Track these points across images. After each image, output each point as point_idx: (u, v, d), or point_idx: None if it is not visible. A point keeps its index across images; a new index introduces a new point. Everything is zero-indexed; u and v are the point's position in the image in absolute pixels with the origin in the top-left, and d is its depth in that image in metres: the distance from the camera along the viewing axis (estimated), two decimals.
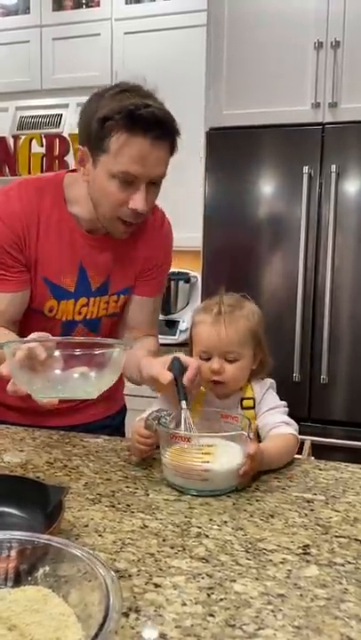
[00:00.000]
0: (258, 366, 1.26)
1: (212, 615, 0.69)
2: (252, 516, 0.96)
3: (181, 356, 1.17)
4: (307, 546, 0.86)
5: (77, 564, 0.63)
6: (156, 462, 1.16)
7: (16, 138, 3.26)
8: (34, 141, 3.21)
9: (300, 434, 1.21)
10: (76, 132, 1.31)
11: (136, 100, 1.18)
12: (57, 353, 1.03)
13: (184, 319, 3.00)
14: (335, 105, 2.37)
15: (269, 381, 1.28)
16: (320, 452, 1.76)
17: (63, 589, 0.63)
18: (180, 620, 0.68)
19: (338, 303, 2.37)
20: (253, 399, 1.25)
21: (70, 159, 3.13)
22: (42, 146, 3.20)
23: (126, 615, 0.68)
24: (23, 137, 3.24)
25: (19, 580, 0.66)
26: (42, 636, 0.58)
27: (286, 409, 1.25)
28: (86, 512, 0.96)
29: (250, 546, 0.86)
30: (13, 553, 0.67)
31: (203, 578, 0.77)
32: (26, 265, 1.33)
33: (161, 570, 0.79)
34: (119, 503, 1.00)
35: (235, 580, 0.76)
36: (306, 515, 0.97)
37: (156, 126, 1.18)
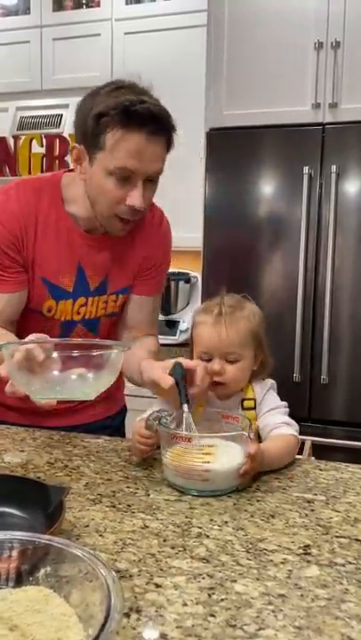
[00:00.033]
0: (259, 367, 1.27)
1: (212, 615, 0.69)
2: (252, 516, 0.96)
3: (183, 360, 1.17)
4: (307, 546, 0.86)
5: (79, 565, 0.63)
6: (156, 462, 1.17)
7: (16, 138, 3.26)
8: (34, 142, 3.21)
9: (300, 434, 1.21)
10: None
11: (131, 96, 1.18)
12: (55, 354, 1.03)
13: (184, 319, 3.00)
14: (335, 105, 2.37)
15: (270, 382, 1.28)
16: (320, 452, 1.76)
17: (64, 590, 0.64)
18: (181, 620, 0.68)
19: (338, 303, 2.37)
20: (254, 400, 1.25)
21: (70, 159, 3.13)
22: (42, 146, 3.20)
23: (127, 615, 0.68)
24: (23, 137, 3.24)
25: (20, 580, 0.66)
26: (43, 636, 0.58)
27: (287, 409, 1.25)
28: (87, 512, 0.96)
29: (250, 546, 0.86)
30: (15, 553, 0.67)
31: (203, 578, 0.77)
32: (23, 265, 1.33)
33: (162, 570, 0.79)
34: (120, 503, 1.00)
35: (235, 581, 0.77)
36: (306, 515, 0.97)
37: (152, 121, 1.18)
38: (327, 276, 2.34)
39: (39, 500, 0.87)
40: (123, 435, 1.58)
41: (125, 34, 3.04)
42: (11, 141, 3.26)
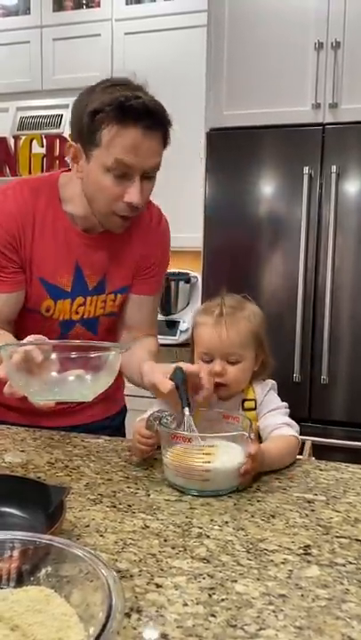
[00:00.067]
0: (259, 367, 1.26)
1: (213, 615, 0.69)
2: (253, 516, 0.96)
3: (184, 364, 1.16)
4: (308, 546, 0.86)
5: (79, 565, 0.63)
6: (157, 462, 1.17)
7: (16, 138, 3.26)
8: (34, 142, 3.21)
9: (300, 434, 1.21)
10: None
11: (126, 92, 1.18)
12: (53, 356, 1.04)
13: (184, 319, 3.00)
14: (336, 105, 2.37)
15: (271, 382, 1.28)
16: (321, 452, 1.76)
17: (65, 590, 0.64)
18: (181, 620, 0.68)
19: (338, 303, 2.37)
20: (255, 400, 1.25)
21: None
22: (42, 146, 3.21)
23: (128, 615, 0.68)
24: (24, 137, 3.24)
25: (21, 580, 0.66)
26: (44, 636, 0.58)
27: (287, 410, 1.25)
28: (87, 512, 0.96)
29: (251, 546, 0.86)
30: (16, 553, 0.67)
31: (204, 578, 0.77)
32: (21, 266, 1.34)
33: (162, 570, 0.79)
34: (120, 503, 1.00)
35: (236, 581, 0.77)
36: (307, 515, 0.97)
37: (147, 116, 1.18)
38: (327, 276, 2.35)
39: (40, 500, 0.87)
40: (123, 435, 1.58)
41: (126, 34, 3.04)
42: (11, 142, 3.26)
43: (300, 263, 2.38)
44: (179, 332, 2.97)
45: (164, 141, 1.24)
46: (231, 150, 2.51)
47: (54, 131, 3.21)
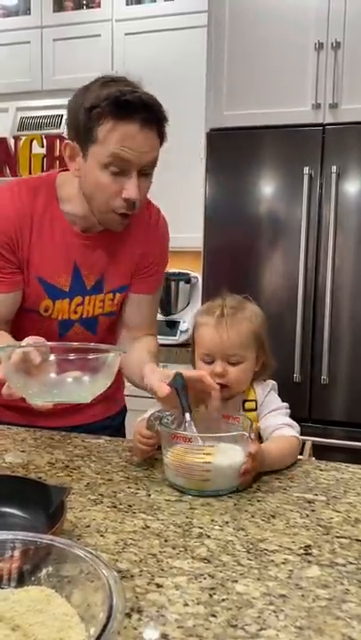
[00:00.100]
0: (260, 368, 1.27)
1: (214, 615, 0.69)
2: (253, 516, 0.96)
3: (184, 370, 1.16)
4: (308, 546, 0.87)
5: (80, 565, 0.63)
6: (157, 463, 1.17)
7: (17, 139, 3.26)
8: (34, 142, 3.21)
9: (300, 434, 1.21)
10: None
11: (122, 86, 1.18)
12: (52, 357, 1.04)
13: (185, 320, 3.00)
14: (336, 106, 2.37)
15: (271, 383, 1.28)
16: (321, 452, 1.76)
17: (66, 590, 0.64)
18: (182, 620, 0.68)
19: (338, 303, 2.37)
20: (255, 401, 1.25)
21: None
22: (42, 147, 3.20)
23: (129, 616, 0.68)
24: (24, 138, 3.24)
25: (22, 580, 0.66)
26: (45, 636, 0.58)
27: (288, 410, 1.25)
28: (88, 512, 0.96)
29: (251, 546, 0.86)
30: (17, 553, 0.67)
31: (205, 578, 0.77)
32: (19, 266, 1.33)
33: (163, 570, 0.79)
34: (121, 504, 1.00)
35: (236, 581, 0.77)
36: (307, 515, 0.97)
37: (143, 109, 1.18)
38: (327, 276, 2.35)
39: (40, 501, 0.87)
40: (123, 435, 1.58)
41: (126, 34, 3.04)
42: (11, 142, 3.26)
43: (300, 263, 2.38)
44: (179, 332, 2.97)
45: (161, 137, 1.24)
46: (231, 150, 2.51)
47: (54, 131, 3.21)
